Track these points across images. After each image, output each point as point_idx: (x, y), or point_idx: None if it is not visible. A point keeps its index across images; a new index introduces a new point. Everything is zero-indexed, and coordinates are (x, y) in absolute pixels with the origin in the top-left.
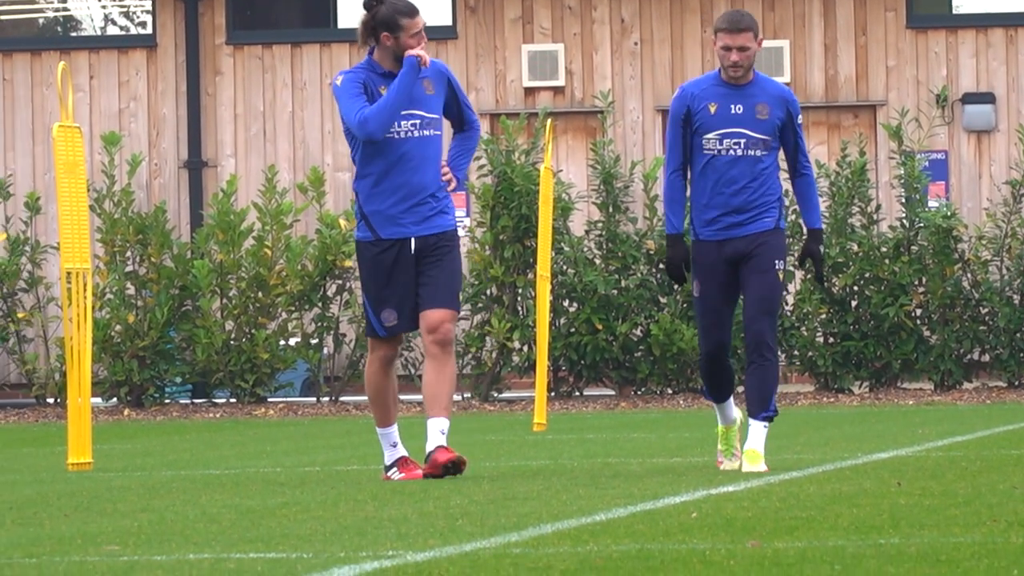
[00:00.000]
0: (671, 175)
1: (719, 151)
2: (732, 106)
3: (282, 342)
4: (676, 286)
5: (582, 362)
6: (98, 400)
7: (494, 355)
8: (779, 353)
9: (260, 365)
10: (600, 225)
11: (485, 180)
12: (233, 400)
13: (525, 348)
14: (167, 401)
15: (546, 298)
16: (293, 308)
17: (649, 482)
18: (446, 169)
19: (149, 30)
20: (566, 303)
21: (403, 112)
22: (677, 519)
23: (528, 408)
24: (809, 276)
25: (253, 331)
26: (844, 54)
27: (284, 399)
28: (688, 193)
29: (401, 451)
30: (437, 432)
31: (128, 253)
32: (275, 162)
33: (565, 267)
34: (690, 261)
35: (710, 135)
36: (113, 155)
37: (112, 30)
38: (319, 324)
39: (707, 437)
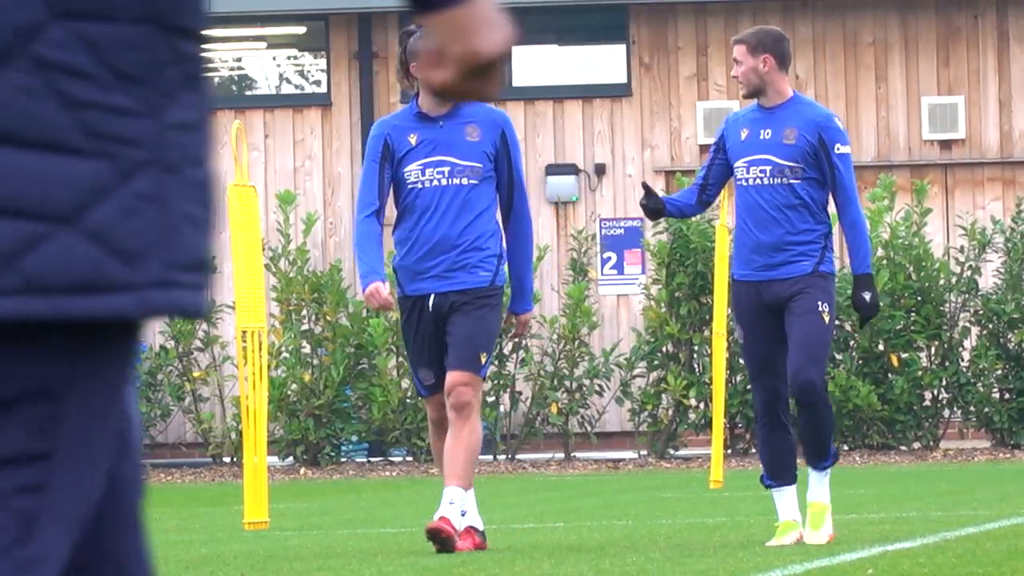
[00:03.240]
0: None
1: (747, 180)
2: (761, 131)
3: None
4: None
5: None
6: (274, 459)
7: (670, 412)
8: (829, 396)
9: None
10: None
11: (660, 237)
12: (409, 458)
13: (701, 405)
14: (343, 460)
15: (722, 355)
16: None
17: None
18: (512, 320)
19: (324, 88)
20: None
21: (430, 159)
22: None
23: (704, 465)
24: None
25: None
26: (1019, 109)
27: None
28: (692, 202)
29: (468, 520)
30: (446, 502)
31: (304, 312)
32: None
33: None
34: (654, 202)
35: (739, 163)
36: (288, 214)
37: (287, 89)
38: (495, 382)
39: (883, 494)
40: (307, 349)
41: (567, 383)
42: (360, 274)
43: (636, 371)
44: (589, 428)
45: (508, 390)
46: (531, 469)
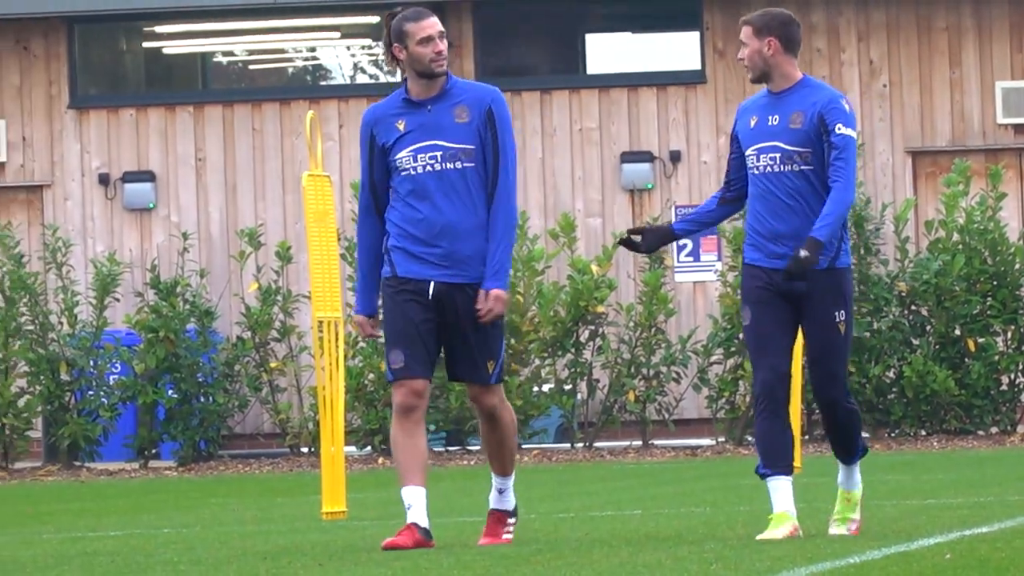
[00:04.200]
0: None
1: (757, 168)
2: (769, 117)
3: (535, 388)
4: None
5: None
6: (352, 449)
7: (747, 399)
8: (853, 401)
9: (514, 412)
10: (852, 267)
11: (736, 224)
12: None
13: None
14: None
15: (799, 341)
16: (546, 354)
17: (903, 524)
18: (480, 296)
19: (398, 78)
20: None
21: (420, 144)
22: (931, 561)
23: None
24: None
25: (507, 378)
26: None
27: (538, 445)
28: (714, 208)
29: (413, 516)
30: (496, 490)
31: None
32: (526, 208)
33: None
34: (651, 239)
35: (749, 151)
36: None
37: (361, 78)
38: (572, 370)
39: (960, 479)
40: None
41: (644, 370)
42: (355, 292)
43: (713, 358)
44: (666, 415)
45: (585, 378)
46: (609, 457)
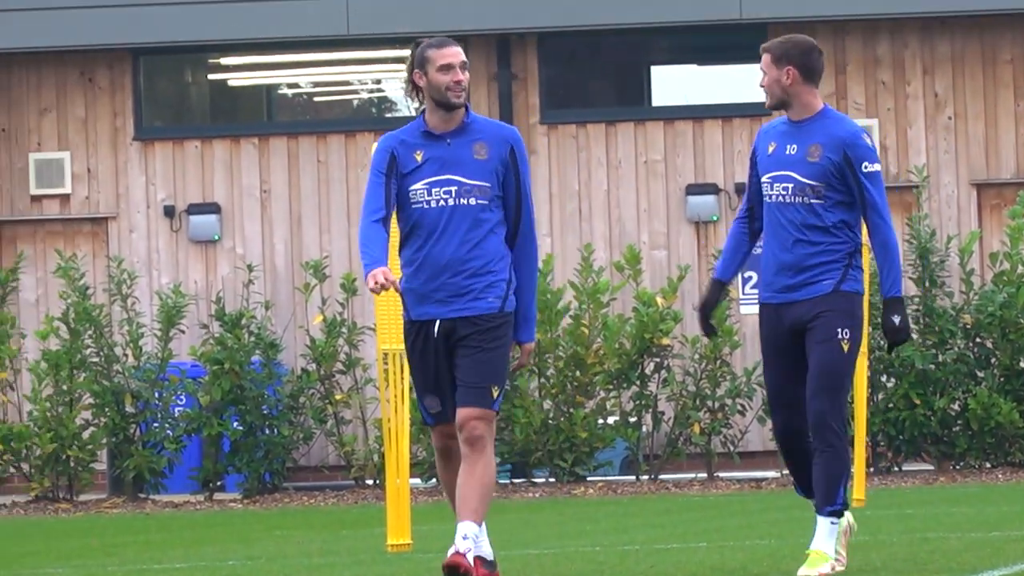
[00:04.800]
0: (735, 220)
1: (770, 196)
2: (788, 146)
3: (600, 420)
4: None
5: (900, 437)
6: (417, 481)
7: None
8: (846, 434)
9: (579, 444)
10: (917, 300)
11: None
12: (552, 479)
13: None
14: None
15: (864, 374)
16: (611, 386)
17: (968, 556)
18: (516, 351)
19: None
20: (884, 378)
21: (436, 178)
22: None
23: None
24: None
25: (571, 410)
26: None
27: (603, 478)
28: (746, 246)
29: (478, 550)
30: (460, 536)
31: None
32: (591, 240)
33: (883, 342)
34: (717, 306)
35: (765, 178)
36: None
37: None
38: (637, 402)
39: None
40: None
41: (709, 403)
42: (364, 265)
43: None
44: (731, 448)
45: (650, 410)
46: (674, 489)
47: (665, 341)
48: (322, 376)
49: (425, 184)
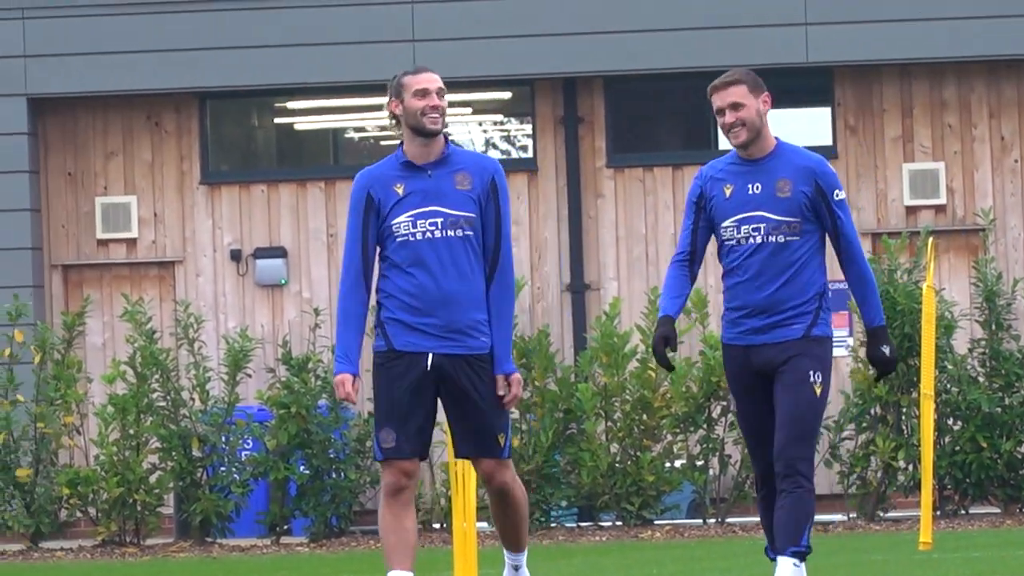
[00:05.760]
0: (673, 262)
1: (738, 240)
2: (750, 186)
3: (667, 464)
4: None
5: (967, 480)
6: (484, 525)
7: (879, 474)
8: (813, 480)
9: (646, 487)
10: (983, 343)
11: None
12: (619, 523)
13: (910, 467)
14: (553, 525)
15: (930, 417)
16: (678, 430)
17: None
18: (500, 381)
19: (530, 154)
20: (950, 421)
21: (420, 210)
22: None
23: (914, 527)
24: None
25: (638, 453)
26: None
27: (670, 521)
28: (689, 287)
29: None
30: (511, 568)
31: None
32: (657, 284)
33: (949, 385)
34: (674, 341)
35: (726, 222)
36: None
37: (493, 154)
38: (704, 445)
39: None
40: (515, 414)
41: None
42: (335, 355)
43: (844, 434)
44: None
45: (717, 453)
46: (741, 532)
47: None
48: None
49: (409, 216)
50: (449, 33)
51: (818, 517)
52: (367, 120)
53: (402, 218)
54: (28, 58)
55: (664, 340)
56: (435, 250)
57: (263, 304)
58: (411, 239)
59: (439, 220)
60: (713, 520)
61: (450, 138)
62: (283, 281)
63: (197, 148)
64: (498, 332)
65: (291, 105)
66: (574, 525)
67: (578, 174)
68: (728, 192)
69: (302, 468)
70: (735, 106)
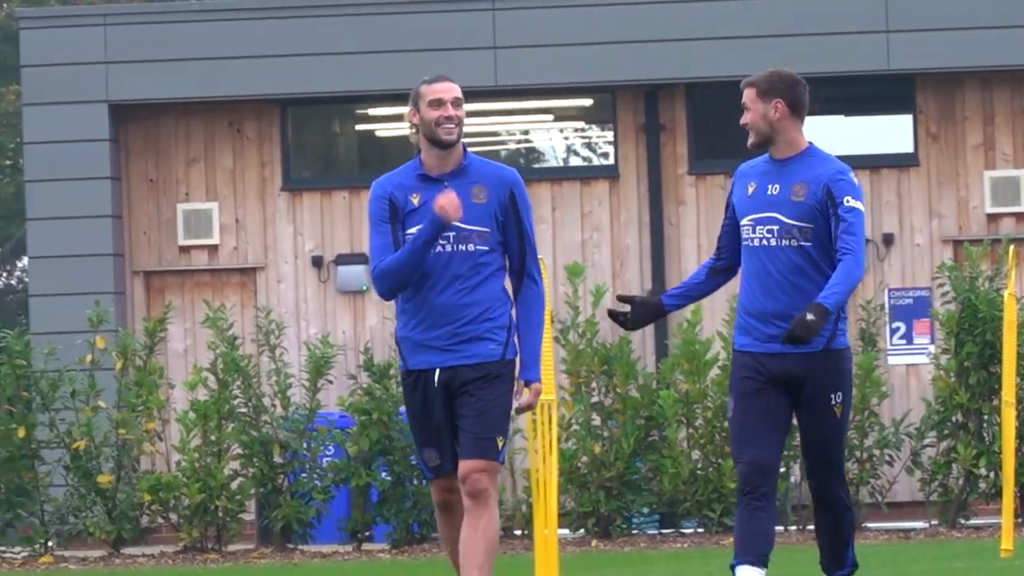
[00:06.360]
0: (704, 263)
1: (752, 240)
2: (770, 186)
3: None
4: None
5: None
6: (565, 531)
7: (960, 482)
8: (850, 496)
9: (727, 495)
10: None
11: (949, 307)
12: (701, 530)
13: (991, 474)
14: (634, 532)
15: (1012, 424)
16: None
17: None
18: (520, 387)
19: (611, 160)
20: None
21: None
22: None
23: (995, 534)
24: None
25: (720, 460)
26: None
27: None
28: (703, 279)
29: None
30: None
31: (593, 384)
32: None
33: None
34: (640, 314)
35: (745, 221)
36: (577, 286)
37: (574, 161)
38: (785, 453)
39: None
40: (597, 421)
41: (857, 453)
42: (421, 239)
43: (926, 440)
44: (880, 498)
45: (798, 461)
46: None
47: None
48: None
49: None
50: (530, 40)
51: (899, 524)
52: None
53: (415, 230)
54: (110, 64)
55: (627, 298)
56: (444, 264)
57: (344, 310)
58: None
59: (452, 234)
60: (794, 527)
61: (468, 148)
62: (364, 288)
63: (279, 154)
64: (525, 339)
65: (372, 111)
66: (656, 532)
67: (659, 181)
68: (750, 190)
69: (384, 474)
70: (745, 108)
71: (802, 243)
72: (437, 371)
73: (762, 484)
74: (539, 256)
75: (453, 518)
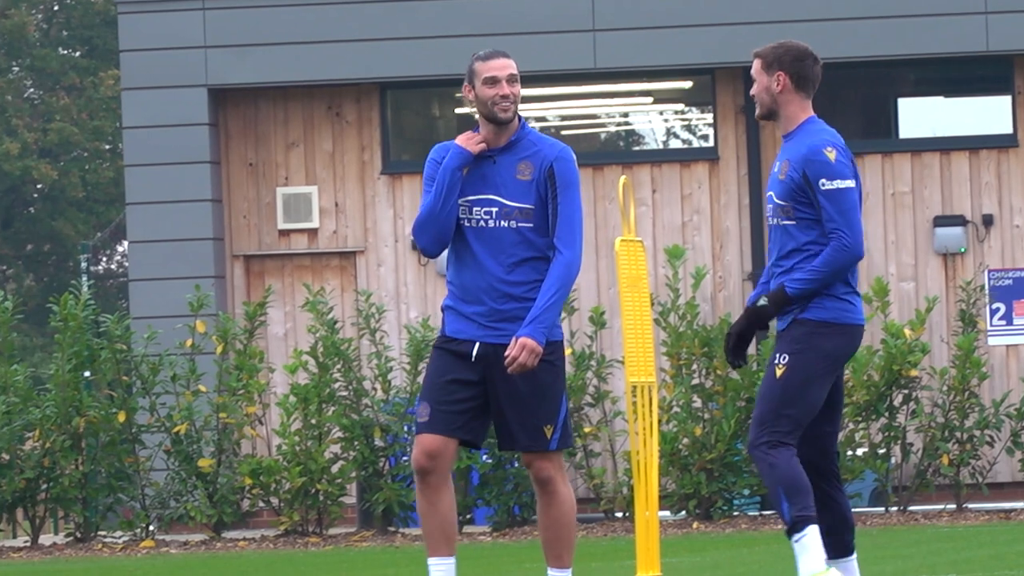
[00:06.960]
0: None
1: (768, 217)
2: (776, 163)
3: (849, 452)
4: None
5: None
6: (666, 513)
7: None
8: (776, 455)
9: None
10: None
11: None
12: None
13: None
14: (735, 513)
15: None
16: (860, 418)
17: None
18: (512, 341)
19: (711, 143)
20: None
21: (478, 197)
22: None
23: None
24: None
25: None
26: None
27: (853, 509)
28: None
29: None
30: None
31: (694, 366)
32: None
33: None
34: (747, 342)
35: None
36: (677, 268)
37: (674, 143)
38: (886, 434)
39: None
40: (698, 403)
41: (958, 434)
42: (444, 184)
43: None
44: (980, 479)
45: (899, 442)
46: (923, 520)
47: (913, 373)
48: (571, 409)
49: (467, 202)
50: (629, 23)
51: (1000, 505)
52: (548, 110)
53: (461, 202)
54: (209, 49)
55: (736, 333)
56: (486, 239)
57: (443, 293)
58: (466, 224)
59: (494, 210)
60: (895, 508)
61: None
62: None
63: (378, 138)
64: (539, 299)
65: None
66: (756, 513)
67: (759, 163)
68: (774, 168)
69: (484, 458)
70: (753, 79)
71: (784, 222)
72: (477, 344)
73: (821, 476)
74: (581, 233)
75: (427, 490)
